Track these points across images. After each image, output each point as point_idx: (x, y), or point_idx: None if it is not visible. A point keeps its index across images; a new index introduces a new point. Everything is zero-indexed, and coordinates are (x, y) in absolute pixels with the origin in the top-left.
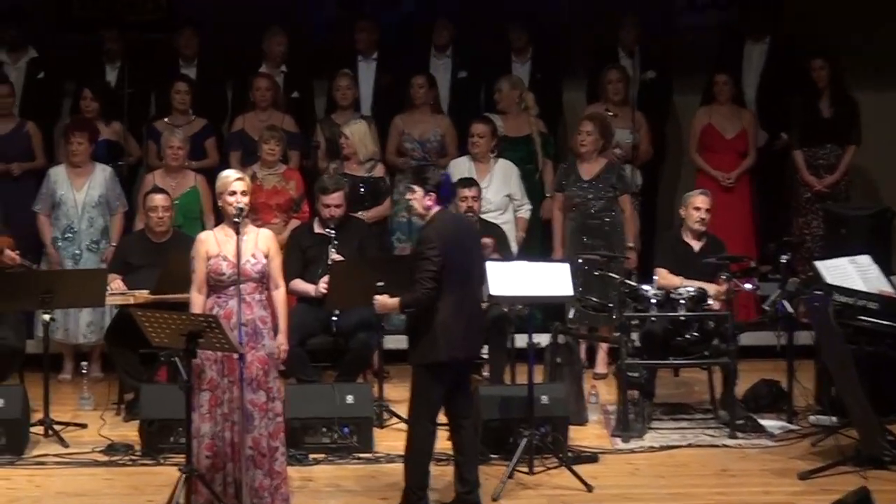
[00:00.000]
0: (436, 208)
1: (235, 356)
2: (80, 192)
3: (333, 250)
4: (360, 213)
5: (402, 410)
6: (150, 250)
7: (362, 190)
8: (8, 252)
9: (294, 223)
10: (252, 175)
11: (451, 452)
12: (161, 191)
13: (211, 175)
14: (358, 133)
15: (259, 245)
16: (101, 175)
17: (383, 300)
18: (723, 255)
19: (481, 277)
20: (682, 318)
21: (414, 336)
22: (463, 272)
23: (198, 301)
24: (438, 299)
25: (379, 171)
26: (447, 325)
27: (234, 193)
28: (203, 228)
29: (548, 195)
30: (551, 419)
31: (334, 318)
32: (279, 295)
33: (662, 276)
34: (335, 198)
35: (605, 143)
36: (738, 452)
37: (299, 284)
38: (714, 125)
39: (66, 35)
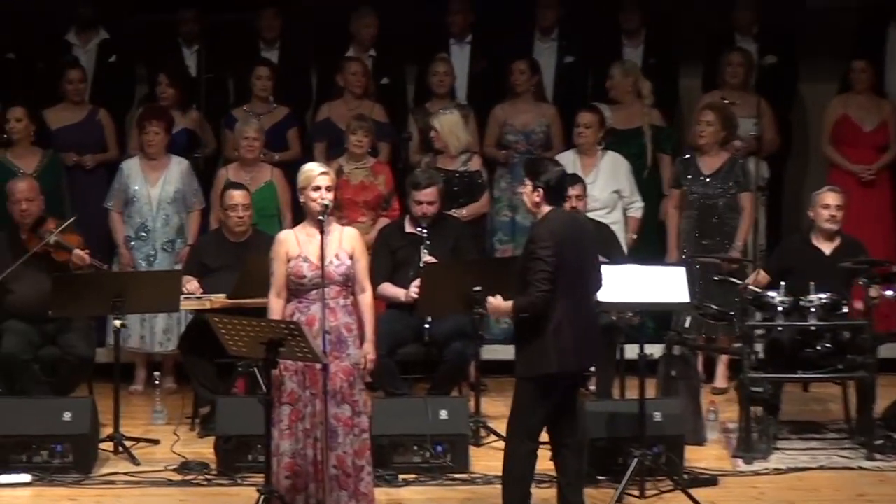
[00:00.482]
0: (546, 207)
1: (318, 367)
2: (154, 188)
3: (426, 251)
4: (454, 210)
5: (501, 427)
6: (228, 251)
7: (456, 186)
8: (77, 251)
9: (383, 221)
10: (338, 169)
11: (553, 474)
12: (240, 186)
13: (292, 168)
14: (448, 124)
15: (343, 245)
16: (178, 168)
17: (497, 303)
18: (860, 259)
19: (598, 282)
20: (813, 327)
21: (522, 345)
22: (578, 275)
23: (277, 306)
24: (551, 304)
25: (475, 164)
26: (559, 334)
27: (318, 189)
28: (280, 227)
29: (666, 193)
30: (665, 438)
31: (426, 326)
32: (366, 300)
33: (754, 278)
34: (428, 193)
35: (727, 134)
36: (876, 475)
37: (388, 289)
38: (850, 116)
39: (138, 15)
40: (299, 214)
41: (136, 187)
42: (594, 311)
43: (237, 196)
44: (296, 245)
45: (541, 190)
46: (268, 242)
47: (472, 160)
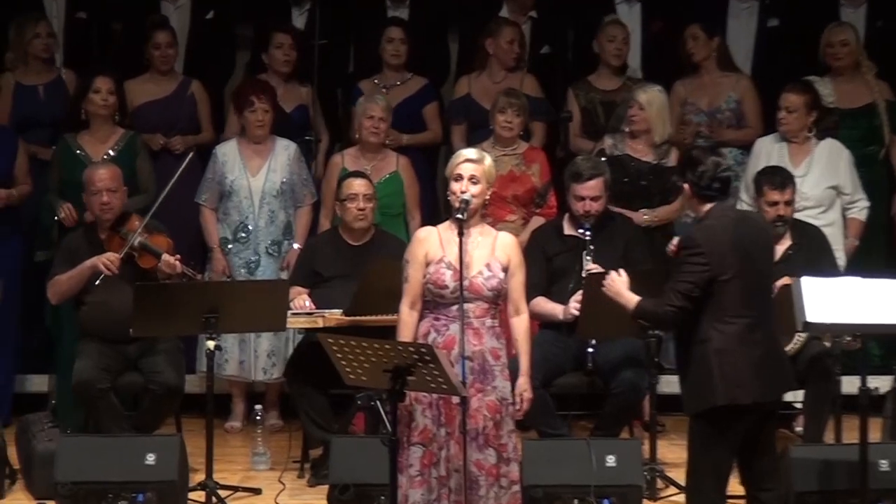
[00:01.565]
0: (705, 205)
1: (456, 400)
2: (256, 178)
3: (589, 258)
4: (642, 211)
5: (682, 476)
6: (345, 256)
7: (645, 180)
8: (166, 257)
9: (536, 222)
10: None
11: None
12: (361, 175)
13: (427, 155)
14: (657, 104)
15: (497, 253)
16: (285, 154)
17: (617, 286)
18: None
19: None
20: None
21: (684, 374)
22: (751, 290)
23: (408, 321)
24: (711, 324)
25: (673, 159)
26: (726, 359)
27: (459, 179)
28: (406, 231)
29: None
30: (893, 493)
31: (590, 350)
32: (521, 324)
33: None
34: (592, 187)
35: None
36: None
37: (543, 304)
38: None
39: None
40: (433, 215)
41: (234, 177)
42: (773, 332)
43: (358, 185)
44: (438, 246)
45: (686, 186)
46: (394, 246)
47: (671, 154)
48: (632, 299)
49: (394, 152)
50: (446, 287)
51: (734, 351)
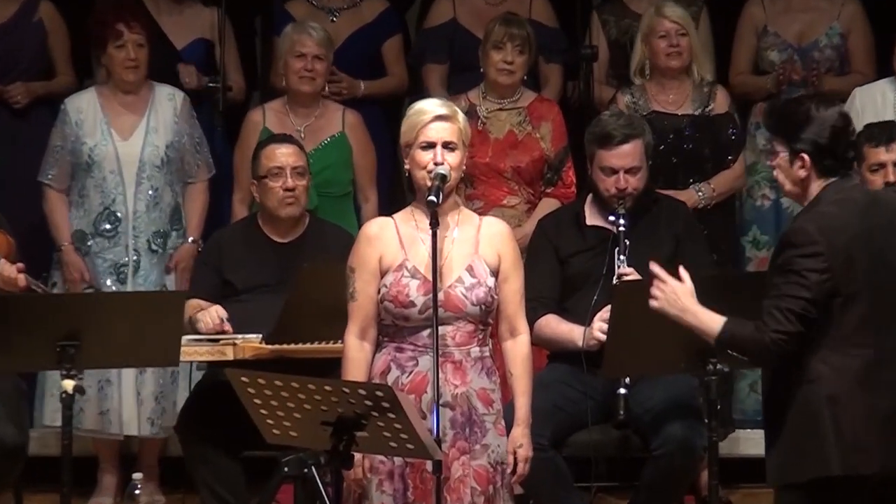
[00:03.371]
0: (817, 183)
1: (430, 467)
2: (128, 143)
3: (623, 259)
4: (694, 187)
5: None
6: (266, 257)
7: (690, 142)
8: (5, 266)
9: (547, 206)
10: (467, 109)
11: None
12: (289, 139)
13: (386, 111)
14: (704, 31)
15: (482, 249)
16: (169, 108)
17: (683, 298)
18: None
19: None
20: None
21: (774, 429)
22: (881, 308)
23: (357, 356)
24: (822, 358)
25: (721, 103)
26: (843, 408)
27: (429, 146)
28: (356, 218)
29: None
30: None
31: (622, 393)
32: (518, 348)
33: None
34: (628, 153)
35: None
36: None
37: (553, 325)
38: None
39: None
40: (396, 197)
41: (95, 143)
42: None
43: (285, 154)
44: (398, 246)
45: (804, 157)
46: (338, 242)
47: (717, 96)
48: (712, 321)
49: (338, 105)
50: (412, 305)
51: (854, 397)
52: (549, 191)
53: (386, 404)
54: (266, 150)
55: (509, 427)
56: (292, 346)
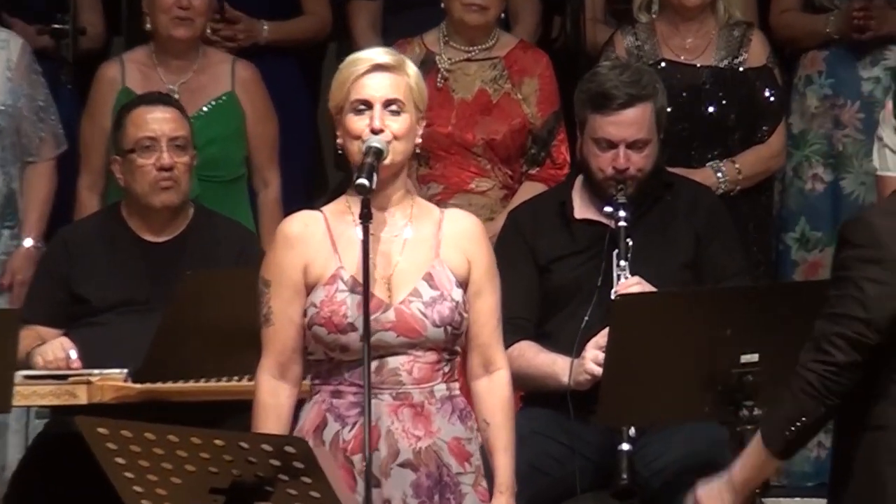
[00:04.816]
0: None
1: None
2: None
3: (623, 265)
4: (712, 165)
5: None
6: (135, 264)
7: (713, 104)
8: None
9: (531, 191)
10: (423, 58)
11: None
12: (164, 100)
13: (305, 62)
14: None
15: (445, 253)
16: (1, 58)
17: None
18: None
19: None
20: None
21: (834, 488)
22: None
23: (271, 402)
24: (890, 398)
25: (757, 51)
26: None
27: (364, 107)
28: (253, 211)
29: None
30: None
31: (625, 448)
32: (497, 389)
33: None
34: (633, 121)
35: None
36: None
37: (529, 355)
38: None
39: None
40: (313, 185)
41: None
42: None
43: (159, 121)
44: (328, 250)
45: None
46: (233, 240)
47: (751, 43)
48: (754, 447)
49: (225, 56)
50: (351, 329)
51: None
52: (533, 172)
53: (299, 465)
54: (133, 115)
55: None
56: (171, 384)
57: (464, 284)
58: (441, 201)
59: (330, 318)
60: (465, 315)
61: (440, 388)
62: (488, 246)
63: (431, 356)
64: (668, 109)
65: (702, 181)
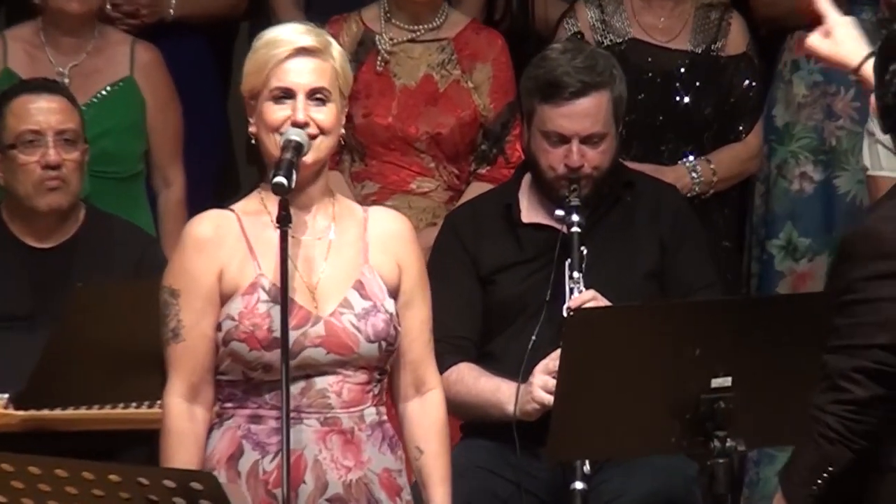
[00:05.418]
0: None
1: None
2: None
3: (576, 277)
4: (687, 162)
5: None
6: (15, 272)
7: (686, 93)
8: None
9: (480, 191)
10: (361, 38)
11: None
12: (50, 87)
13: (216, 39)
14: None
15: (374, 258)
16: None
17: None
18: None
19: None
20: None
21: None
22: None
23: (184, 426)
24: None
25: (736, 38)
26: None
27: (285, 96)
28: (153, 213)
29: None
30: None
31: (578, 487)
32: (430, 411)
33: None
34: (587, 112)
35: None
36: None
37: (469, 379)
38: None
39: None
40: (224, 183)
41: None
42: None
43: (45, 111)
44: (245, 253)
45: None
46: (131, 245)
47: (730, 28)
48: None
49: (124, 36)
50: (277, 345)
51: None
52: (482, 171)
53: (204, 499)
54: (14, 105)
55: None
56: (58, 412)
57: (394, 293)
58: (377, 202)
59: (252, 333)
60: (399, 329)
61: (370, 413)
62: (419, 250)
63: (362, 376)
64: (640, 97)
65: (673, 181)
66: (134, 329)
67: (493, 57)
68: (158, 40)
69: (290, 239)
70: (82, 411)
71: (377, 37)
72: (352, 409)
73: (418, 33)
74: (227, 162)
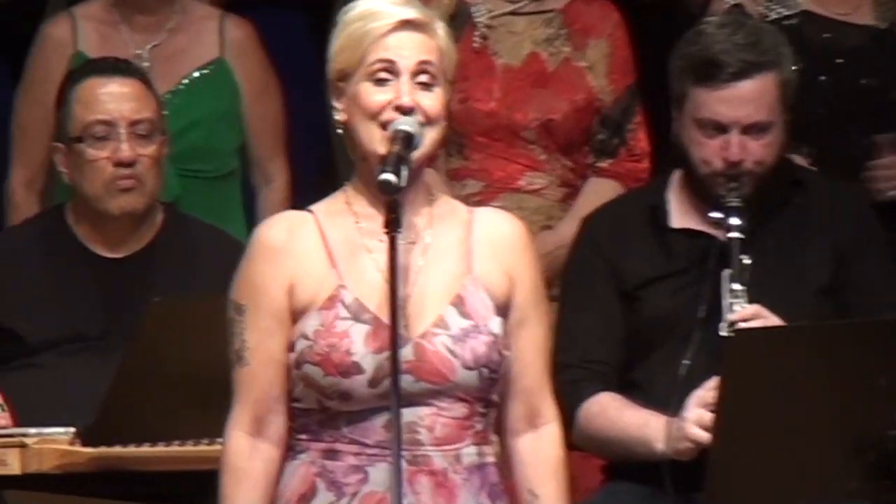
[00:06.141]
0: None
1: None
2: None
3: (738, 290)
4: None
5: None
6: (83, 285)
7: (871, 75)
8: None
9: (604, 192)
10: (453, 11)
11: None
12: (122, 68)
13: (318, 15)
14: None
15: (481, 269)
16: None
17: None
18: None
19: None
20: None
21: None
22: None
23: (246, 464)
24: None
25: None
26: None
27: (386, 76)
28: (253, 216)
29: None
30: None
31: None
32: (545, 448)
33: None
34: (748, 96)
35: None
36: None
37: (612, 412)
38: None
39: None
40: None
41: None
42: None
43: (117, 97)
44: (323, 262)
45: None
46: (217, 255)
47: None
48: None
49: (212, 10)
50: (356, 371)
51: None
52: (602, 165)
53: None
54: (81, 90)
55: None
56: (132, 449)
57: (503, 310)
58: (480, 204)
59: (327, 356)
60: (507, 353)
61: (469, 453)
62: (534, 258)
63: (460, 408)
64: (821, 79)
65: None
66: (218, 351)
67: (608, 32)
68: (245, 14)
69: (376, 244)
70: (159, 448)
71: (473, 8)
72: (446, 448)
73: (521, 4)
74: (327, 156)
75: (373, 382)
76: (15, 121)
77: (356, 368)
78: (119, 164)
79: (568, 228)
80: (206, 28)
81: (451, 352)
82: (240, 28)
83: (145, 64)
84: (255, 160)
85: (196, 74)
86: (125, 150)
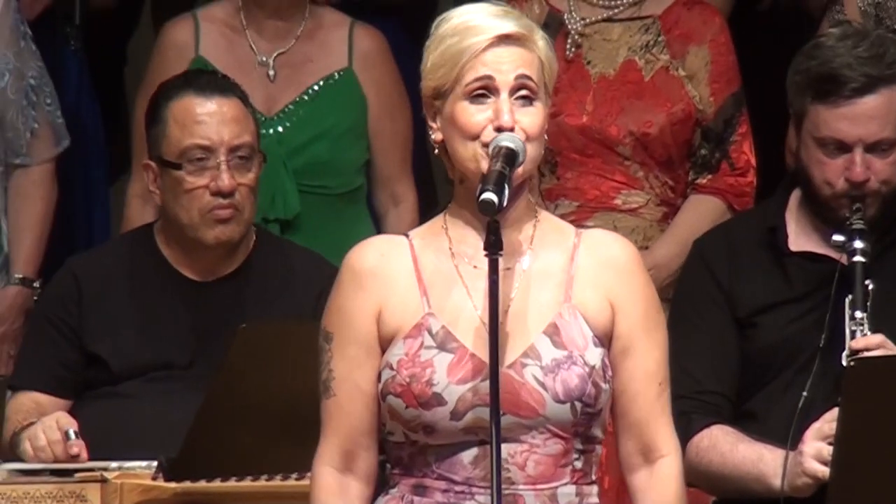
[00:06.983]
0: None
1: None
2: None
3: (860, 317)
4: None
5: None
6: (171, 310)
7: None
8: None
9: (707, 210)
10: (545, 20)
11: None
12: (220, 85)
13: (417, 24)
14: None
15: (581, 296)
16: None
17: None
18: None
19: None
20: None
21: None
22: None
23: (333, 500)
24: None
25: None
26: None
27: (485, 93)
28: (368, 235)
29: None
30: None
31: None
32: (662, 484)
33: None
34: (873, 113)
35: None
36: None
37: (724, 445)
38: None
39: None
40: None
41: None
42: None
43: (216, 119)
44: (413, 289)
45: None
46: (311, 281)
47: None
48: None
49: (341, 17)
50: (437, 402)
51: None
52: (704, 181)
53: None
54: (178, 109)
55: None
56: (218, 483)
57: (605, 340)
58: (575, 223)
59: (408, 387)
60: (606, 385)
61: (567, 493)
62: (646, 283)
63: (555, 445)
64: None
65: None
66: (309, 379)
67: (710, 38)
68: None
69: (470, 270)
70: (246, 483)
71: (565, 16)
72: (540, 486)
73: (616, 10)
74: (427, 175)
75: (455, 415)
76: (135, 129)
77: (437, 400)
78: (217, 193)
79: (664, 249)
80: (336, 37)
81: (541, 384)
82: (370, 38)
83: (271, 72)
84: (380, 179)
85: (322, 84)
86: (225, 181)
